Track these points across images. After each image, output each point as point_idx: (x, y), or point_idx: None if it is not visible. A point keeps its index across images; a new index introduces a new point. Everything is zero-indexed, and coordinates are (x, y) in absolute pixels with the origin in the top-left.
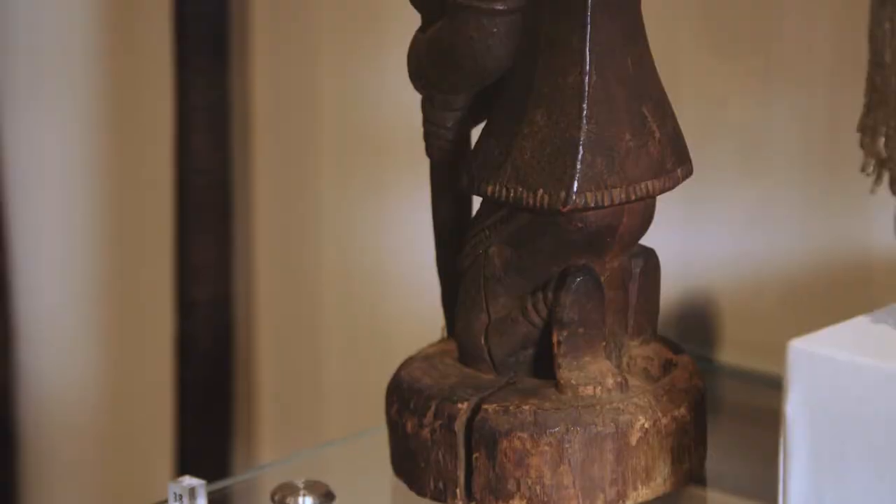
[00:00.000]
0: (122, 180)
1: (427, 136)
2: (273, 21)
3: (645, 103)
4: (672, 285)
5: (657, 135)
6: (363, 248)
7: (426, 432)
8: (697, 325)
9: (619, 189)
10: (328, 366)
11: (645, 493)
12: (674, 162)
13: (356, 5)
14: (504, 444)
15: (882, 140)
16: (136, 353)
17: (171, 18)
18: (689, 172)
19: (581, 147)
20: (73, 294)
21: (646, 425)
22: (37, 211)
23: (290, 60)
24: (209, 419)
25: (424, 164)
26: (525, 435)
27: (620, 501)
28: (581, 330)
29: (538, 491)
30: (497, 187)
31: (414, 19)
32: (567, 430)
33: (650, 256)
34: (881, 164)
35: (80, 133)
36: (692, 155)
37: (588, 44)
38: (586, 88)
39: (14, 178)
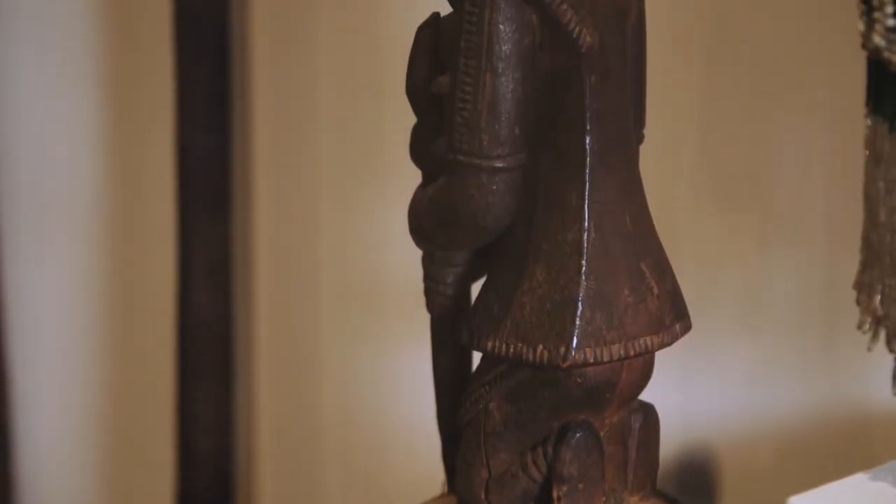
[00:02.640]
0: (123, 328)
1: (427, 292)
2: (273, 177)
3: (643, 259)
4: (671, 441)
5: (656, 291)
6: (363, 400)
7: None
8: (697, 481)
9: (618, 345)
10: None
11: None
12: (672, 318)
13: (354, 160)
14: None
15: (878, 298)
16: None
17: (173, 171)
18: (687, 328)
19: (580, 303)
20: (73, 441)
21: None
22: (36, 361)
23: (290, 216)
24: None
25: (424, 316)
26: None
27: None
28: (581, 485)
29: None
30: (497, 343)
31: (413, 174)
32: None
33: (649, 412)
34: (878, 322)
35: (81, 277)
36: (691, 310)
37: (587, 201)
38: (585, 245)
39: (14, 320)
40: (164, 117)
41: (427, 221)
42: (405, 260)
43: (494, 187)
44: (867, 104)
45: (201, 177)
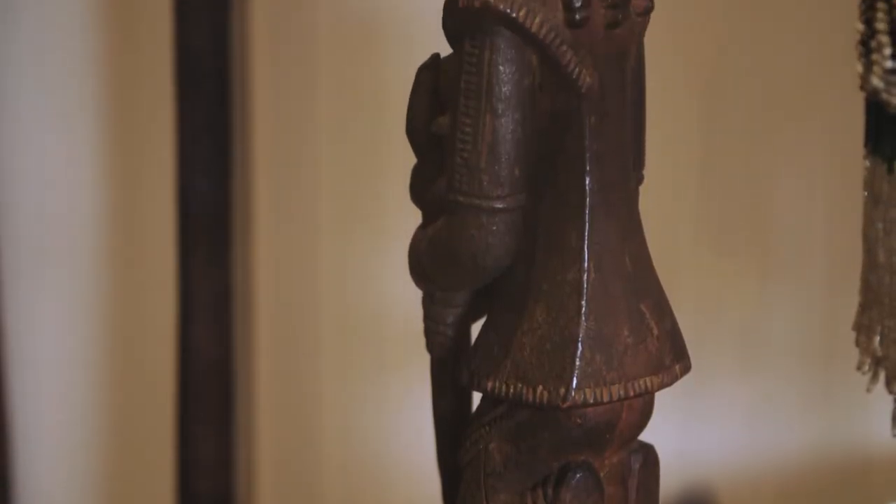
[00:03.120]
0: (123, 365)
1: (427, 333)
2: (273, 215)
3: (643, 300)
4: (671, 481)
5: (655, 331)
6: (364, 440)
7: None
8: None
9: (617, 385)
10: None
11: None
12: (672, 358)
13: (354, 200)
14: None
15: (877, 339)
16: None
17: (173, 209)
18: (687, 368)
19: (580, 343)
20: (71, 481)
21: None
22: (35, 397)
23: (290, 255)
24: None
25: (424, 356)
26: None
27: None
28: None
29: None
30: (497, 383)
31: (413, 214)
32: None
33: (649, 452)
34: (877, 363)
35: (81, 314)
36: (691, 351)
37: (587, 241)
38: (585, 285)
39: (13, 356)
40: (165, 158)
41: (427, 262)
42: (405, 299)
43: (494, 228)
44: (866, 145)
45: (202, 215)
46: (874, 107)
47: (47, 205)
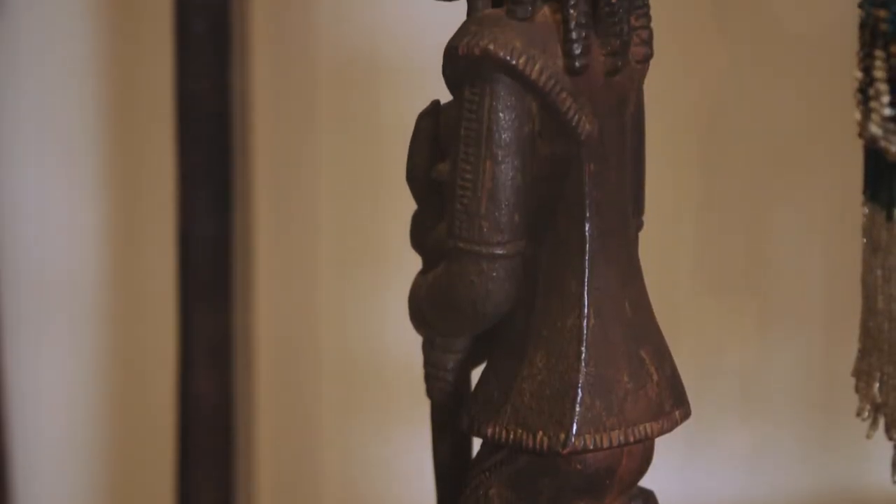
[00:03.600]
0: (123, 413)
1: (427, 379)
2: (274, 262)
3: (643, 346)
4: None
5: (655, 377)
6: (365, 485)
7: None
8: None
9: (617, 431)
10: None
11: None
12: (672, 404)
13: (354, 247)
14: None
15: (877, 385)
16: None
17: (174, 256)
18: (687, 414)
19: (580, 389)
20: None
21: None
22: (36, 446)
23: (290, 301)
24: None
25: (425, 401)
26: None
27: None
28: None
29: None
30: (497, 429)
31: (413, 260)
32: None
33: (649, 498)
34: (876, 409)
35: (81, 362)
36: (691, 397)
37: (586, 287)
38: (585, 332)
39: (13, 406)
40: (166, 202)
41: (427, 307)
42: (405, 345)
43: (494, 274)
44: (864, 192)
45: (202, 260)
46: (873, 154)
47: (48, 249)
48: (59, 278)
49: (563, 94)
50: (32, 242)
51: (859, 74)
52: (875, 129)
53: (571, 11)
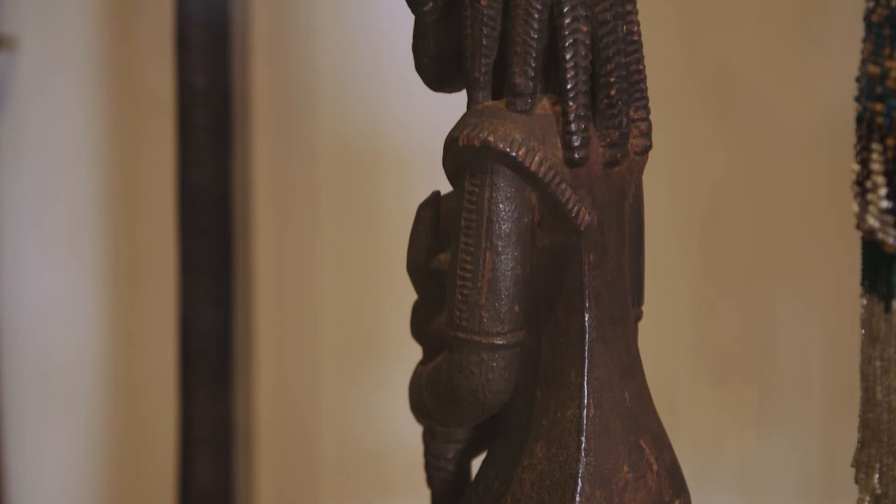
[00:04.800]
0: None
1: (428, 468)
2: (275, 351)
3: (642, 435)
4: None
5: (655, 467)
6: None
7: None
8: None
9: None
10: None
11: None
12: (672, 493)
13: (354, 336)
14: None
15: (876, 476)
16: None
17: (175, 343)
18: (687, 503)
19: (580, 480)
20: None
21: None
22: None
23: (290, 391)
24: None
25: (425, 491)
26: None
27: None
28: None
29: None
30: None
31: (414, 350)
32: None
33: None
34: (876, 500)
35: (81, 445)
36: (691, 485)
37: (586, 378)
38: (584, 422)
39: (13, 487)
40: (167, 292)
41: (428, 397)
42: (405, 434)
43: (494, 364)
44: (862, 283)
45: (202, 348)
46: (870, 246)
47: (49, 336)
48: (60, 364)
49: (563, 186)
50: (34, 328)
51: (856, 167)
52: (872, 221)
53: (571, 104)
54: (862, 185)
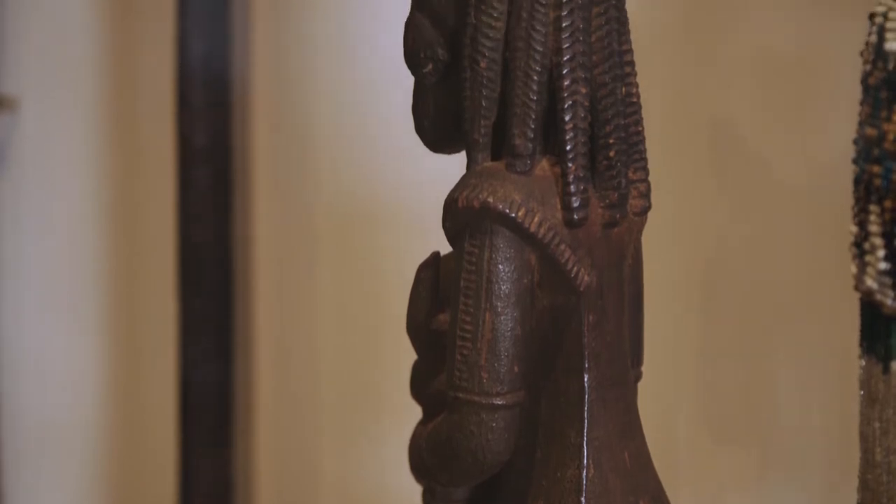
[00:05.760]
0: None
1: None
2: (275, 410)
3: (642, 496)
4: None
5: None
6: None
7: None
8: None
9: None
10: None
11: None
12: None
13: (354, 396)
14: None
15: None
16: None
17: (175, 403)
18: None
19: None
20: None
21: None
22: None
23: (290, 449)
24: None
25: None
26: None
27: None
28: None
29: None
30: None
31: (413, 410)
32: None
33: None
34: None
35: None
36: None
37: (585, 438)
38: (584, 482)
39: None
40: (167, 350)
41: (427, 457)
42: (405, 494)
43: (494, 424)
44: (861, 345)
45: (203, 409)
46: (868, 307)
47: (49, 394)
48: (59, 422)
49: (562, 247)
50: (34, 387)
51: (855, 229)
52: (871, 283)
53: (570, 165)
54: (860, 247)
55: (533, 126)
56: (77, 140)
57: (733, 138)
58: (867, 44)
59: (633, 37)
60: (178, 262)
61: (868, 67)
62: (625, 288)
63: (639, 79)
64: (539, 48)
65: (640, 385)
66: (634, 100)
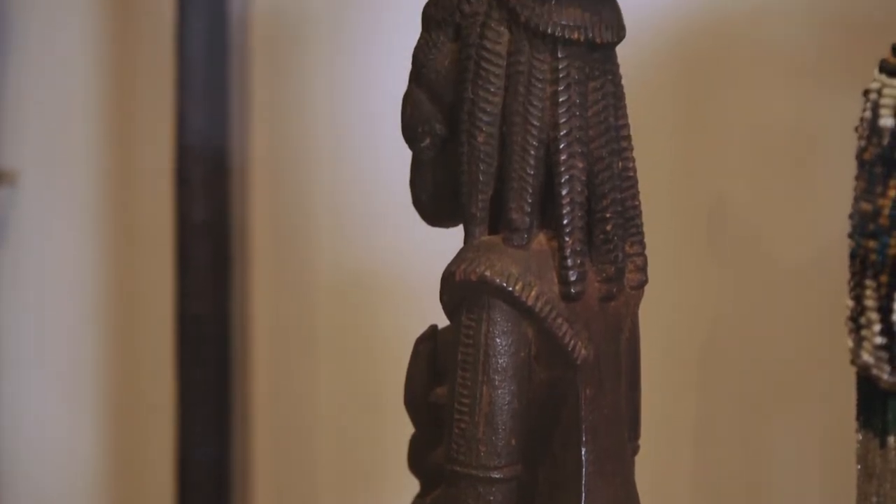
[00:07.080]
0: None
1: None
2: (274, 486)
3: None
4: None
5: None
6: None
7: None
8: None
9: None
10: None
11: None
12: None
13: (352, 470)
14: None
15: None
16: None
17: (173, 484)
18: None
19: None
20: None
21: None
22: None
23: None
24: None
25: None
26: None
27: None
28: None
29: None
30: None
31: (411, 483)
32: None
33: None
34: None
35: None
36: None
37: None
38: None
39: None
40: (166, 424)
41: None
42: None
43: (491, 498)
44: (858, 419)
45: (201, 485)
46: (865, 381)
47: (47, 471)
48: (57, 498)
49: (559, 320)
50: (31, 463)
51: (851, 303)
52: (867, 357)
53: (567, 239)
54: (856, 321)
55: (530, 200)
56: (76, 214)
57: (729, 212)
58: (862, 119)
59: (629, 111)
60: (176, 335)
61: (863, 143)
62: (622, 361)
63: (635, 153)
64: (536, 123)
65: (637, 458)
66: (631, 174)
